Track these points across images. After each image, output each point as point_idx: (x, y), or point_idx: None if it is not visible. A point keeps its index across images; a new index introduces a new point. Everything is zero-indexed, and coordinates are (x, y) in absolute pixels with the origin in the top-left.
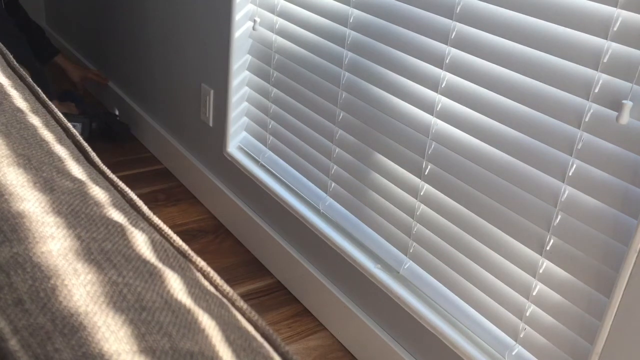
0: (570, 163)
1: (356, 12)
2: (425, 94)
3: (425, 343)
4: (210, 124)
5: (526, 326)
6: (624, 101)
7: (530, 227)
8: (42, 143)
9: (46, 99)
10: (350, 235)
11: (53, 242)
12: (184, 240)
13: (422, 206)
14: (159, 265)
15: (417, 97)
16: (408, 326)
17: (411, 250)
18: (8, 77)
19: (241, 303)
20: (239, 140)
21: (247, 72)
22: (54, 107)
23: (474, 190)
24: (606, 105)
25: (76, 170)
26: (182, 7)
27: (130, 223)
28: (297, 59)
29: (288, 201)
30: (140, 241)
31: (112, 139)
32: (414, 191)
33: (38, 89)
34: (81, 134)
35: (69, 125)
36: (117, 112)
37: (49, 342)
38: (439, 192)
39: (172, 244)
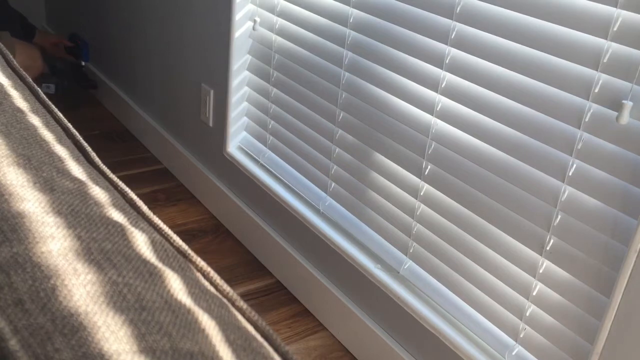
0: (570, 163)
1: (356, 12)
2: (425, 94)
3: (425, 343)
4: (210, 124)
5: (526, 326)
6: (624, 101)
7: (530, 227)
8: (42, 143)
9: (46, 98)
10: (350, 235)
11: (53, 242)
12: (184, 240)
13: (422, 206)
14: (159, 265)
15: (417, 97)
16: (408, 326)
17: (411, 250)
18: (8, 77)
19: (241, 303)
20: (239, 140)
21: (247, 72)
22: (53, 107)
23: (474, 190)
24: (606, 105)
25: (76, 170)
26: (182, 7)
27: (130, 223)
28: (297, 59)
29: (288, 201)
30: (140, 241)
31: (82, 89)
32: (414, 191)
33: (38, 88)
34: (55, 93)
35: (69, 125)
36: (82, 63)
37: (49, 342)
38: (439, 192)
39: (172, 244)
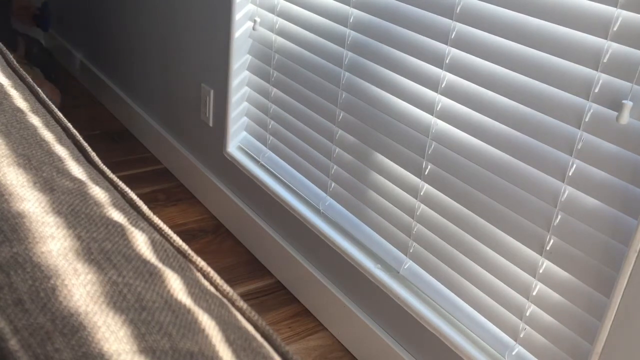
0: (570, 163)
1: (356, 12)
2: (425, 94)
3: (425, 343)
4: (210, 124)
5: (526, 326)
6: (624, 101)
7: (530, 227)
8: (42, 143)
9: (46, 98)
10: (350, 235)
11: (53, 242)
12: (184, 240)
13: (422, 206)
14: (159, 265)
15: (417, 97)
16: (408, 326)
17: (411, 250)
18: (8, 77)
19: (241, 303)
20: (239, 140)
21: (247, 72)
22: (54, 107)
23: (474, 190)
24: (606, 105)
25: (76, 170)
26: (182, 7)
27: (130, 223)
28: (297, 59)
29: (288, 201)
30: (140, 241)
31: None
32: (414, 191)
33: (38, 89)
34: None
35: (69, 125)
36: (42, 41)
37: (49, 342)
38: (439, 192)
39: (172, 244)
